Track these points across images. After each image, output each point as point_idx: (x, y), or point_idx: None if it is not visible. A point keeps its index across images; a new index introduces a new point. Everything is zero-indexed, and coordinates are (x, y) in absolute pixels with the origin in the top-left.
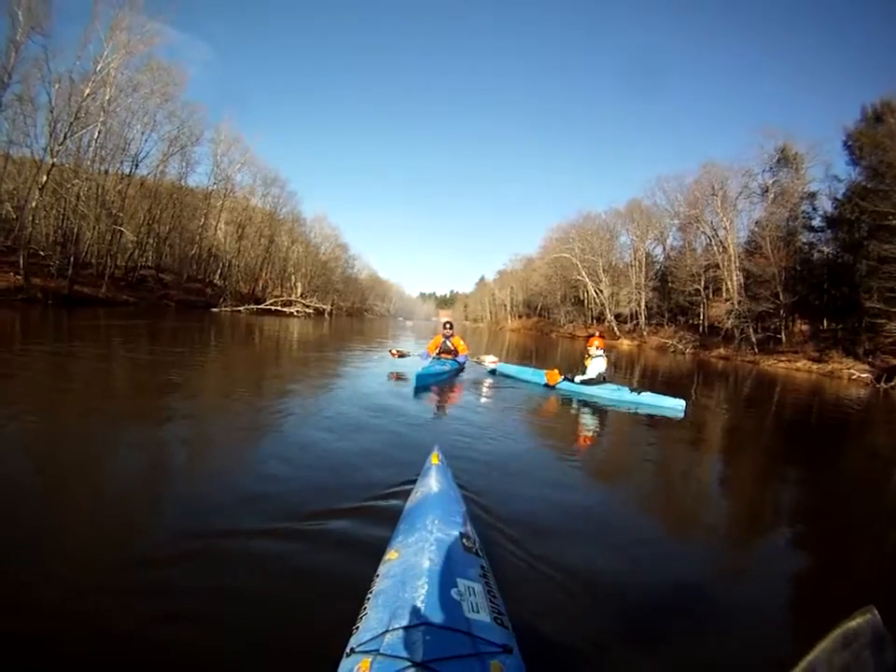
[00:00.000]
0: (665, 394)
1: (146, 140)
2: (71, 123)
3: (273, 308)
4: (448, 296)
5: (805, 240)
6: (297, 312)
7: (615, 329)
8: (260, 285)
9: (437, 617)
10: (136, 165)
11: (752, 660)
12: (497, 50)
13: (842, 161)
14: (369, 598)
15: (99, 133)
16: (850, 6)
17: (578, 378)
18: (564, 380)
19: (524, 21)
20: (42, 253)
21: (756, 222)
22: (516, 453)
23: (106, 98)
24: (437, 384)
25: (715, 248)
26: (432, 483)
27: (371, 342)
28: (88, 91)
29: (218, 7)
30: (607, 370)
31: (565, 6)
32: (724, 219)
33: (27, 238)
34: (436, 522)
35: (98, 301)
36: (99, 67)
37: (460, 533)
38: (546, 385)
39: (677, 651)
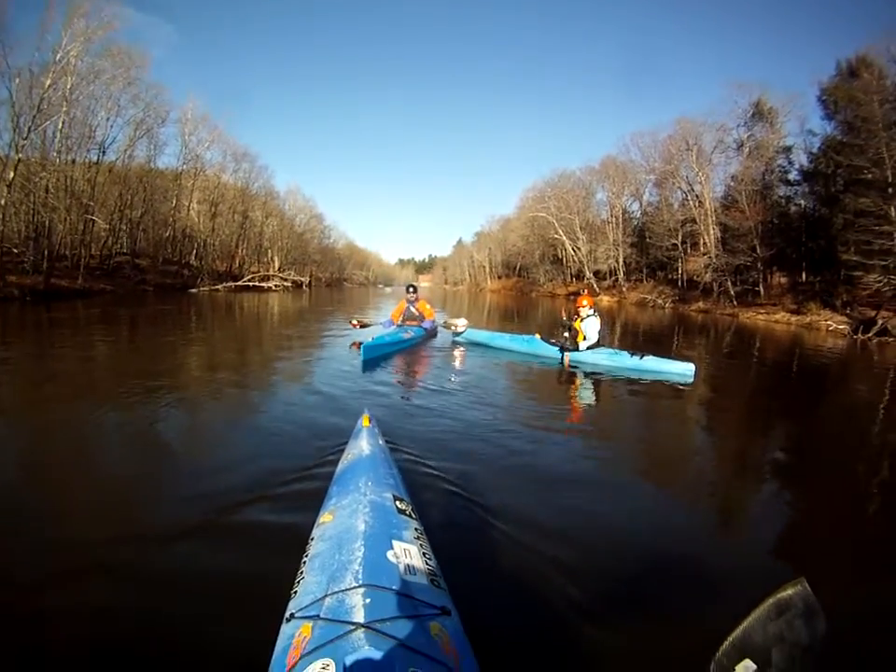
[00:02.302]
0: (671, 357)
1: (111, 126)
2: (34, 116)
3: (251, 284)
4: (427, 260)
5: (781, 194)
6: (275, 286)
7: (594, 285)
8: (237, 262)
9: (375, 579)
10: (103, 152)
11: (706, 625)
12: (466, 13)
13: (817, 115)
14: (305, 562)
15: (63, 123)
16: None
17: (582, 345)
18: (561, 350)
19: None
20: (15, 250)
21: (732, 176)
22: (464, 420)
23: (68, 87)
24: (395, 353)
25: (691, 203)
26: (363, 444)
27: (349, 312)
28: (49, 82)
29: None
30: (601, 331)
31: None
32: (700, 174)
33: None
34: (369, 484)
35: (76, 292)
36: (59, 57)
37: (393, 495)
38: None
39: (620, 613)
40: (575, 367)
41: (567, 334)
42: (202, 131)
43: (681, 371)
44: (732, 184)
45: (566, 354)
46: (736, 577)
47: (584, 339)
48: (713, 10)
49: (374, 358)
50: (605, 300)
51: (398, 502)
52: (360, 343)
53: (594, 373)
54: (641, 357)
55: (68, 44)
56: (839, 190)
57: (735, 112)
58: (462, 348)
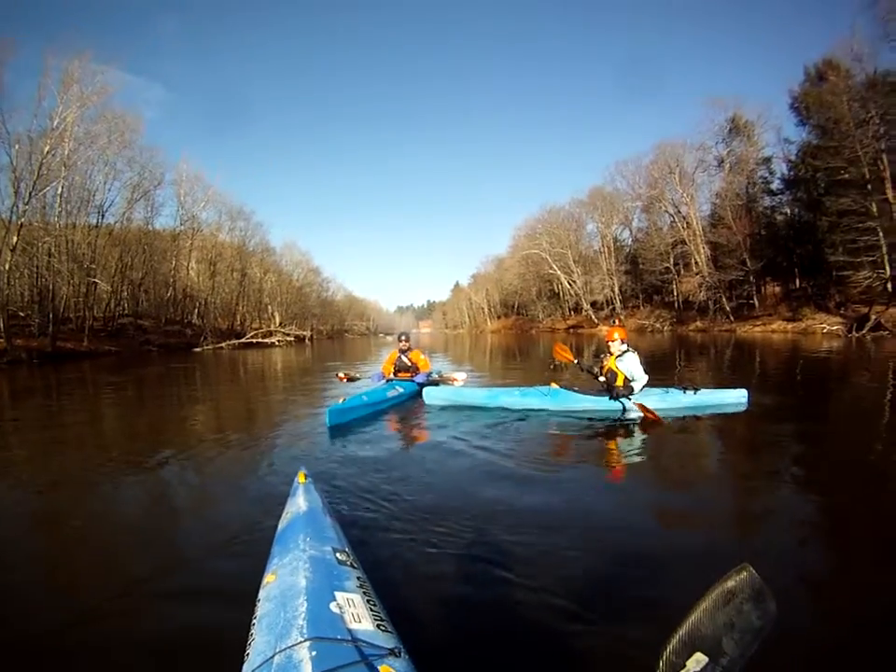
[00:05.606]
0: (724, 386)
1: (109, 189)
2: (34, 182)
3: (254, 341)
4: (426, 306)
5: (766, 204)
6: (278, 342)
7: (592, 316)
8: (238, 319)
9: (320, 632)
10: (102, 215)
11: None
12: (452, 59)
13: (791, 123)
14: (254, 624)
15: (63, 187)
16: None
17: (636, 386)
18: (615, 398)
19: (470, 22)
20: (21, 313)
21: (716, 194)
22: (425, 470)
23: (66, 153)
24: (373, 413)
25: (679, 225)
26: (301, 502)
27: (350, 365)
28: (47, 148)
29: (167, 46)
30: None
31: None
32: (684, 195)
33: (4, 300)
34: (308, 539)
35: (82, 354)
36: (56, 123)
37: (333, 548)
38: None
39: (574, 645)
40: (625, 417)
41: (601, 378)
42: (197, 191)
43: (736, 398)
44: (717, 201)
45: (623, 401)
46: None
47: (631, 379)
48: (684, 27)
49: (345, 423)
50: (604, 329)
51: (338, 554)
52: (347, 376)
53: (641, 420)
54: (695, 392)
55: (64, 110)
56: (821, 194)
57: (713, 129)
58: (462, 409)
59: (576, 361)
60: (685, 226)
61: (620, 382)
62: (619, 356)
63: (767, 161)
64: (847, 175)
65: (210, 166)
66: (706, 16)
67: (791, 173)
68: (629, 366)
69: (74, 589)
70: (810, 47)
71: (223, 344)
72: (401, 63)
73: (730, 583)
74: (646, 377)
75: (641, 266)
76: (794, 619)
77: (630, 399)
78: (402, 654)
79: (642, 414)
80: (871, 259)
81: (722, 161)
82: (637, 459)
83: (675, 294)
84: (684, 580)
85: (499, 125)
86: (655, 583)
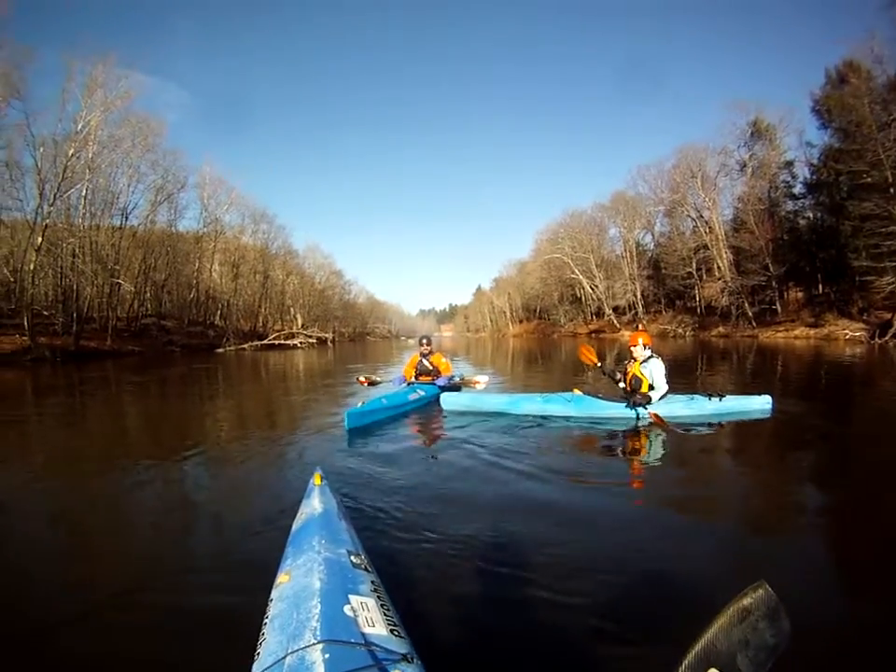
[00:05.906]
0: (748, 393)
1: (133, 192)
2: (59, 184)
3: (276, 343)
4: (448, 310)
5: (788, 209)
6: (300, 343)
7: (614, 321)
8: (261, 321)
9: (333, 634)
10: (126, 217)
11: None
12: (473, 66)
13: (813, 126)
14: (265, 623)
15: (87, 189)
16: None
17: (654, 395)
18: (632, 406)
19: (503, 25)
20: (45, 312)
21: (738, 198)
22: (442, 477)
23: (90, 156)
24: (390, 419)
25: (702, 229)
26: (316, 503)
27: (373, 367)
28: (72, 151)
29: (187, 50)
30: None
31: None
32: (707, 199)
33: (29, 299)
34: (322, 542)
35: (105, 353)
36: (80, 126)
37: (348, 550)
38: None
39: (584, 660)
40: (645, 425)
41: (622, 384)
42: (220, 193)
43: (760, 405)
44: (739, 206)
45: (639, 410)
46: None
47: (652, 388)
48: (703, 33)
49: (364, 426)
50: (626, 335)
51: (352, 557)
52: (368, 380)
53: (659, 428)
54: (721, 399)
55: (88, 113)
56: (843, 198)
57: (735, 133)
58: (479, 416)
59: (598, 365)
60: (707, 230)
61: (645, 388)
62: (643, 361)
63: (789, 164)
64: (869, 179)
65: (234, 165)
66: (713, 17)
67: (814, 177)
68: (653, 371)
69: (86, 583)
70: (829, 49)
71: (245, 346)
72: (402, 66)
73: (746, 601)
74: (667, 387)
75: (663, 271)
76: (818, 632)
77: (646, 409)
78: (415, 660)
79: (676, 420)
80: (894, 264)
81: (745, 165)
82: (661, 467)
83: (697, 299)
84: (703, 593)
85: (513, 128)
86: (674, 596)
